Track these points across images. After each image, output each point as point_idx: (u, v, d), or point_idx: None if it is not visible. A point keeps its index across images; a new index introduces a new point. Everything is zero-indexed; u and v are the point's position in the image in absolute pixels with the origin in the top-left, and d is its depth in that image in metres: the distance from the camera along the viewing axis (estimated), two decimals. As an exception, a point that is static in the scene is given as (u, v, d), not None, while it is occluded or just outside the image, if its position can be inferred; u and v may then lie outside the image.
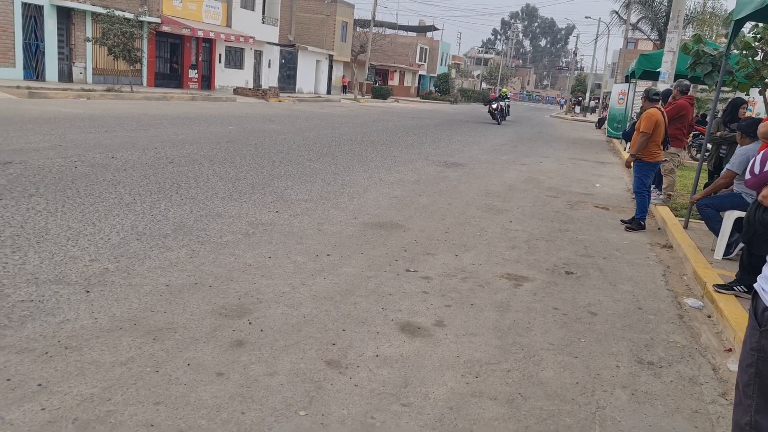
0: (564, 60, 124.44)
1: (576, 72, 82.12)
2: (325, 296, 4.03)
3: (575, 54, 77.18)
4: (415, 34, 63.97)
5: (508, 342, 3.63)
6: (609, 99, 28.95)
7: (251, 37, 31.00)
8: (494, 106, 27.68)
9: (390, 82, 54.92)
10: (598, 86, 63.38)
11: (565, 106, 59.75)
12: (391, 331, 3.59)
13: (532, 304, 4.35)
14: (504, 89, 33.63)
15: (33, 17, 20.92)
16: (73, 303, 3.47)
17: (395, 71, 56.65)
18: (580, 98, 56.57)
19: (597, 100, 51.20)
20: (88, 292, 3.66)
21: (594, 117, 41.93)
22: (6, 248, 4.25)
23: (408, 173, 9.86)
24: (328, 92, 42.36)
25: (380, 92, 45.87)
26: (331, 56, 42.31)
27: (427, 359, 3.28)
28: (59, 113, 13.18)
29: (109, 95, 19.16)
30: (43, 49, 21.43)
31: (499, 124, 26.77)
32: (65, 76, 22.42)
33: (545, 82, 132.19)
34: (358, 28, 49.59)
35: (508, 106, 30.55)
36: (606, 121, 26.64)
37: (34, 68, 21.27)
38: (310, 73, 40.33)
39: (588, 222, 7.46)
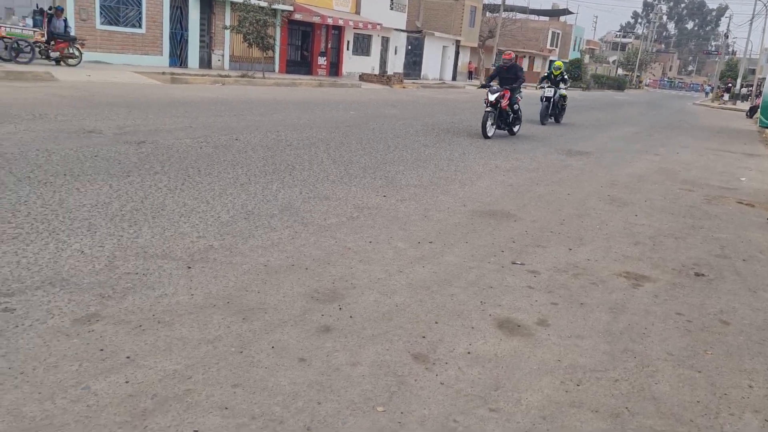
0: (713, 43, 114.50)
1: (726, 56, 75.16)
2: (421, 285, 3.85)
3: (726, 37, 70.60)
4: (547, 18, 61.57)
5: (619, 348, 3.26)
6: (764, 85, 26.14)
7: (379, 24, 31.28)
8: (492, 98, 11.56)
9: (518, 68, 53.28)
10: (752, 72, 57.57)
11: (711, 93, 54.92)
12: (488, 327, 3.35)
13: (651, 307, 3.90)
14: (558, 62, 16.98)
15: (179, 8, 22.43)
16: (174, 278, 3.56)
17: (524, 57, 54.88)
18: (730, 85, 51.73)
19: (750, 87, 46.55)
20: (189, 267, 3.74)
21: (745, 105, 38.13)
22: (124, 222, 4.48)
23: (526, 161, 9.40)
24: (454, 78, 41.90)
25: (507, 78, 44.60)
26: (458, 42, 41.77)
27: (524, 361, 3.01)
28: (195, 97, 13.99)
29: (243, 81, 20.11)
30: (187, 37, 22.94)
31: (486, 138, 11.54)
32: (205, 63, 23.85)
33: (689, 68, 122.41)
34: (487, 13, 48.56)
35: (563, 97, 16.43)
36: (759, 110, 24.09)
37: (178, 56, 22.83)
38: (435, 59, 40.10)
39: (727, 219, 6.68)
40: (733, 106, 40.41)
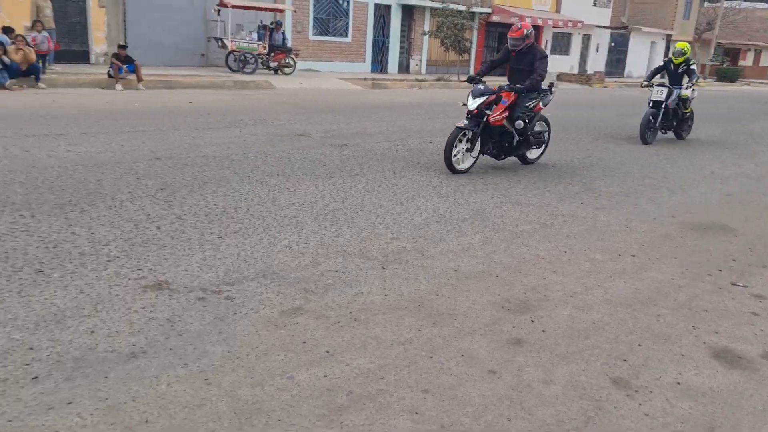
0: None
1: None
2: (621, 302, 3.57)
3: None
4: (780, 4, 54.13)
5: None
6: None
7: (580, 22, 29.90)
8: (473, 105, 6.59)
9: (741, 63, 47.62)
10: None
11: None
12: (701, 356, 3.00)
13: None
14: (681, 43, 10.21)
15: (382, 16, 23.52)
16: (369, 277, 3.70)
17: (748, 50, 48.85)
18: None
19: None
20: (383, 268, 3.87)
21: None
22: (327, 221, 4.77)
23: (749, 166, 8.33)
24: (663, 76, 38.64)
25: (726, 74, 40.18)
26: (668, 36, 38.43)
27: (747, 399, 2.65)
28: (393, 102, 14.54)
29: (438, 84, 20.49)
30: (388, 44, 23.97)
31: (454, 172, 6.68)
32: (404, 68, 24.72)
33: None
34: (705, 4, 44.04)
35: (684, 100, 10.36)
36: None
37: (379, 62, 23.95)
38: (642, 56, 37.34)
39: None
40: None
